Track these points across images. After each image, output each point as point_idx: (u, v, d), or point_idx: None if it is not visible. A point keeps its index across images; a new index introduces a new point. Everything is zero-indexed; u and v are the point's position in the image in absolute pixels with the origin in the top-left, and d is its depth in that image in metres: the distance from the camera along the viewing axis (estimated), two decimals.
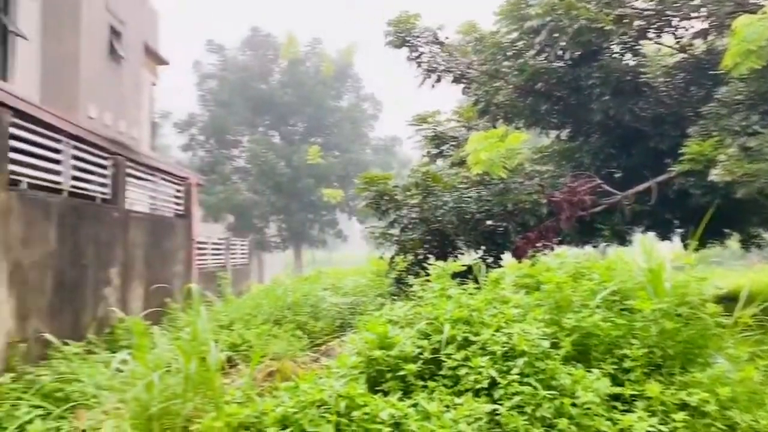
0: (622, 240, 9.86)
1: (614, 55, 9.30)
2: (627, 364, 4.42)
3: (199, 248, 15.08)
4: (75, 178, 8.34)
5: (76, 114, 11.94)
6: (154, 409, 4.71)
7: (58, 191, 7.92)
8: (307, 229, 33.90)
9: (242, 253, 21.97)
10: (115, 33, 13.87)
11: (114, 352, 8.05)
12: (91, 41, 12.72)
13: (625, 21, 8.53)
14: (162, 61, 18.69)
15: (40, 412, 5.63)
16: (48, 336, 7.16)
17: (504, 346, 4.35)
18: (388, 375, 4.47)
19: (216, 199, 30.54)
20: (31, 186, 7.26)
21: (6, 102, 6.62)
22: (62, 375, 6.48)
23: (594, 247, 11.01)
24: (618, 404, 4.19)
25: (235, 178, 33.01)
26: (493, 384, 4.19)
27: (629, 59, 9.44)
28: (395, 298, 8.60)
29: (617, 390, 4.22)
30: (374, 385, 4.46)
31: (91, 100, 12.70)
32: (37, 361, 6.93)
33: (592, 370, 4.30)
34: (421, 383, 4.39)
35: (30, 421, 5.45)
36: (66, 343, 7.29)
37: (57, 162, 7.88)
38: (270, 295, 10.27)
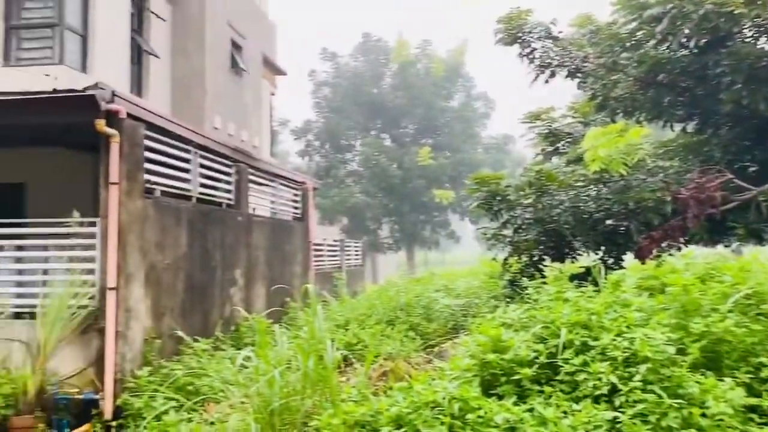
0: (759, 239, 9.09)
1: (746, 40, 8.60)
2: (765, 373, 4.07)
3: (316, 250, 15.59)
4: (202, 185, 8.90)
5: (203, 125, 12.74)
6: (275, 404, 4.92)
7: (188, 198, 8.49)
8: (419, 230, 34.09)
9: (356, 255, 22.46)
10: (236, 47, 14.65)
11: (239, 349, 8.50)
12: (215, 56, 13.52)
13: (758, 2, 7.87)
14: (280, 72, 19.51)
15: (173, 404, 6.05)
16: (180, 333, 7.69)
17: (625, 352, 4.15)
18: (503, 379, 4.40)
19: (331, 202, 31.44)
20: (163, 193, 7.84)
21: (141, 116, 7.20)
22: (193, 370, 6.93)
23: (726, 246, 10.21)
24: (755, 416, 3.88)
25: (348, 182, 33.82)
26: (614, 391, 4.01)
27: (764, 43, 8.70)
28: (509, 300, 8.44)
29: (754, 401, 3.90)
30: (488, 388, 4.41)
31: (215, 111, 13.49)
32: (171, 356, 7.46)
33: (724, 378, 4.00)
34: (537, 388, 4.28)
35: (165, 412, 5.87)
36: (196, 340, 7.80)
37: (186, 171, 8.45)
38: (383, 295, 10.43)
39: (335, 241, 20.49)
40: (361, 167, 33.99)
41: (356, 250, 22.60)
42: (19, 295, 7.13)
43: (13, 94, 6.59)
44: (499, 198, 9.59)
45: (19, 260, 7.49)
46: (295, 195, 13.53)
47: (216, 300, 9.15)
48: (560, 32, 10.10)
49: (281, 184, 12.61)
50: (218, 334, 8.73)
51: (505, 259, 9.78)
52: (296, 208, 13.55)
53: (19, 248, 7.56)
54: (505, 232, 9.75)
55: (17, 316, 6.86)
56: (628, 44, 9.11)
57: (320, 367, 5.21)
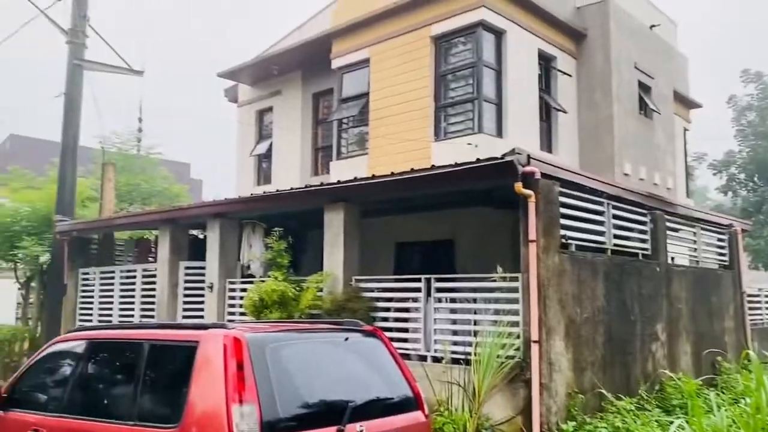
0: None
1: None
2: None
3: (750, 301, 13.58)
4: (616, 236, 8.70)
5: (611, 173, 12.56)
6: None
7: (602, 250, 8.40)
8: None
9: None
10: (644, 88, 14.17)
11: (666, 411, 7.93)
12: (622, 102, 13.29)
13: None
14: (694, 105, 18.08)
15: None
16: (602, 390, 7.54)
17: None
18: None
19: (765, 243, 27.20)
20: (578, 247, 7.92)
21: (554, 174, 7.47)
22: (617, 429, 6.69)
23: None
24: None
25: None
26: None
27: None
28: None
29: None
30: None
31: (624, 157, 13.18)
32: (594, 413, 7.35)
33: None
34: None
35: None
36: (618, 397, 7.53)
37: (599, 222, 8.39)
38: None
39: None
40: None
41: None
42: (455, 343, 8.01)
43: (447, 167, 7.60)
44: None
45: (452, 311, 8.45)
46: (720, 239, 12.11)
47: (636, 356, 8.72)
48: None
49: (702, 228, 11.46)
50: (641, 392, 8.28)
51: None
52: (721, 254, 12.11)
53: (452, 300, 8.54)
54: None
55: (454, 361, 7.70)
56: None
57: None
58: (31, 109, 71.67)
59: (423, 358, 8.14)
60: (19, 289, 16.40)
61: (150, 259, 13.90)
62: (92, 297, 13.11)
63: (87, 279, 13.41)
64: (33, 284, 15.52)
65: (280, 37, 16.58)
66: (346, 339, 4.92)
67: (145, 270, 12.27)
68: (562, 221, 7.60)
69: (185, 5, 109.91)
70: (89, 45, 14.63)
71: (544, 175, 7.24)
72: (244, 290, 10.21)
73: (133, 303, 12.20)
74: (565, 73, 13.08)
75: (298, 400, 4.20)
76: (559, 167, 7.73)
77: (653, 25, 14.94)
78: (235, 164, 17.65)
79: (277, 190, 10.16)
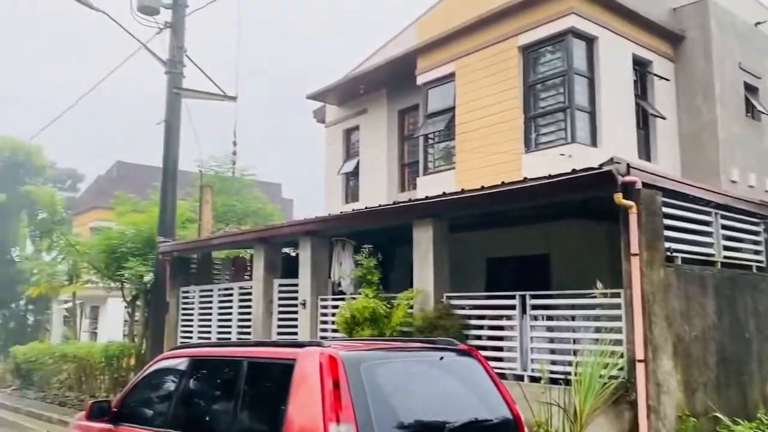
0: None
1: None
2: None
3: None
4: (726, 248, 8.12)
5: (717, 180, 11.81)
6: None
7: (711, 263, 7.86)
8: None
9: None
10: (750, 89, 13.29)
11: None
12: (726, 105, 12.51)
13: None
14: None
15: None
16: (717, 413, 7.01)
17: None
18: None
19: None
20: (684, 260, 7.43)
21: (656, 183, 7.07)
22: None
23: None
24: None
25: None
26: None
27: None
28: None
29: None
30: None
31: (730, 163, 12.37)
32: None
33: None
34: None
35: None
36: (735, 422, 6.98)
37: (706, 234, 7.86)
38: None
39: None
40: None
41: None
42: (553, 362, 7.68)
43: (541, 179, 7.35)
44: None
45: (550, 329, 8.13)
46: None
47: (754, 376, 8.06)
48: None
49: None
50: (761, 416, 7.63)
51: None
52: None
53: (549, 318, 8.22)
54: None
55: (552, 381, 7.38)
56: None
57: None
58: (136, 137, 76.44)
59: (519, 378, 7.86)
60: (125, 307, 17.37)
61: (246, 277, 14.32)
62: (192, 314, 13.64)
63: (187, 297, 13.97)
64: (138, 302, 16.37)
65: (365, 56, 16.84)
66: (441, 358, 4.79)
67: (241, 288, 12.64)
68: (666, 233, 7.16)
69: (277, 34, 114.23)
70: (188, 74, 15.36)
71: (645, 184, 6.85)
72: (335, 307, 10.29)
73: (230, 319, 12.58)
74: (662, 78, 12.47)
75: (394, 420, 4.12)
76: (661, 176, 7.32)
77: (758, 23, 14.02)
78: (324, 183, 17.98)
79: (366, 208, 10.22)
